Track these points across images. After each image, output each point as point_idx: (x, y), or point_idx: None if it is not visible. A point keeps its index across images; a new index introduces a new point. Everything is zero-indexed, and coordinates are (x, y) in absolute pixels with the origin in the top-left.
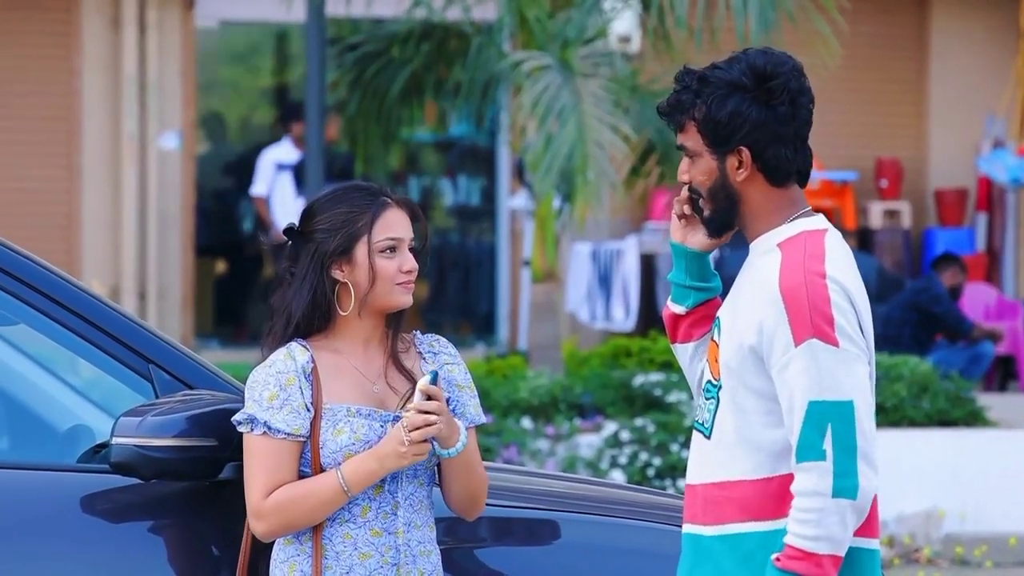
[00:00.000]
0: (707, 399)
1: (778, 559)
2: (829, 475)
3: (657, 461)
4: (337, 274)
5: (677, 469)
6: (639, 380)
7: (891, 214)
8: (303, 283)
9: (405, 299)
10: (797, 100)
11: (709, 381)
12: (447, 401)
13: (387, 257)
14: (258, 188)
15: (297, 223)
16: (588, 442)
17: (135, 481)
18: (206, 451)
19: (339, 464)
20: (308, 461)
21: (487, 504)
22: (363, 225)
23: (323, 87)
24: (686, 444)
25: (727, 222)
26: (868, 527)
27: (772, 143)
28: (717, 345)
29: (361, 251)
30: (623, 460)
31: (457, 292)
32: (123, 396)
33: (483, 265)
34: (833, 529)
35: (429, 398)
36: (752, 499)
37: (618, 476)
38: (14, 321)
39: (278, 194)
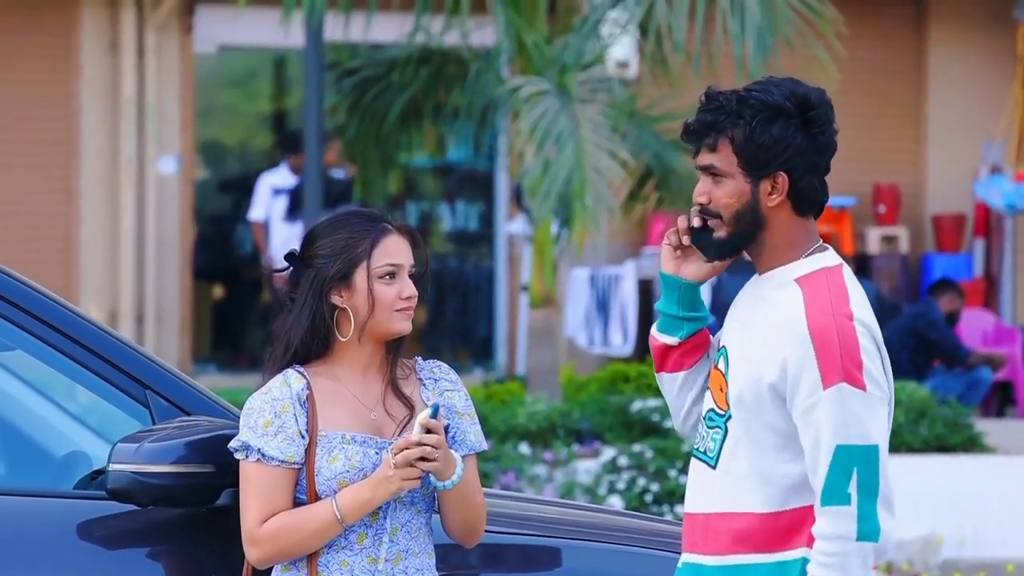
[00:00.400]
0: (710, 428)
1: None
2: (853, 520)
3: (655, 487)
4: (336, 300)
5: (675, 495)
6: (637, 405)
7: (889, 239)
8: (302, 309)
9: (404, 325)
10: (830, 131)
11: (712, 410)
12: (446, 429)
13: (386, 283)
14: (255, 213)
15: (299, 248)
16: (586, 468)
17: (132, 508)
18: (204, 477)
19: (334, 491)
20: (304, 488)
21: (485, 531)
22: (362, 251)
23: (321, 112)
24: (684, 470)
25: (741, 246)
26: None
27: (808, 172)
28: (722, 374)
29: (360, 277)
30: (621, 486)
31: (455, 317)
32: (120, 422)
33: (481, 290)
34: (855, 573)
35: (429, 430)
36: (759, 532)
37: (616, 502)
38: (11, 347)
39: (275, 219)
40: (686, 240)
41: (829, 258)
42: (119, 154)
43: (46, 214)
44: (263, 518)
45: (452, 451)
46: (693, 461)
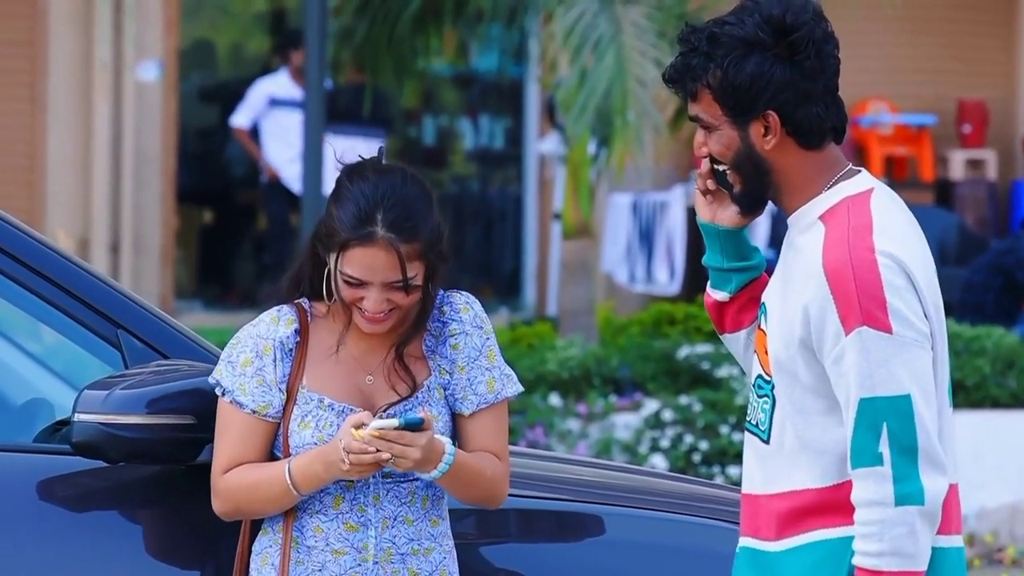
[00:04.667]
0: (760, 396)
1: None
2: (888, 481)
3: (704, 445)
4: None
5: (727, 454)
6: (684, 352)
7: (975, 164)
8: (304, 248)
9: (367, 327)
10: (823, 50)
11: (760, 376)
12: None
13: (351, 284)
14: (239, 119)
15: None
16: (625, 422)
17: (100, 464)
18: (182, 430)
19: None
20: (280, 446)
21: (513, 496)
22: (336, 242)
23: (325, 11)
24: (736, 426)
25: (761, 196)
26: (944, 522)
27: (802, 103)
28: (765, 334)
29: (332, 259)
30: (665, 443)
31: (478, 249)
32: (88, 366)
33: (508, 218)
34: (900, 542)
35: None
36: (820, 508)
37: (659, 462)
38: None
39: (270, 131)
40: (711, 184)
41: (855, 184)
42: (92, 58)
43: (8, 126)
44: (227, 467)
45: (440, 438)
46: (746, 435)
